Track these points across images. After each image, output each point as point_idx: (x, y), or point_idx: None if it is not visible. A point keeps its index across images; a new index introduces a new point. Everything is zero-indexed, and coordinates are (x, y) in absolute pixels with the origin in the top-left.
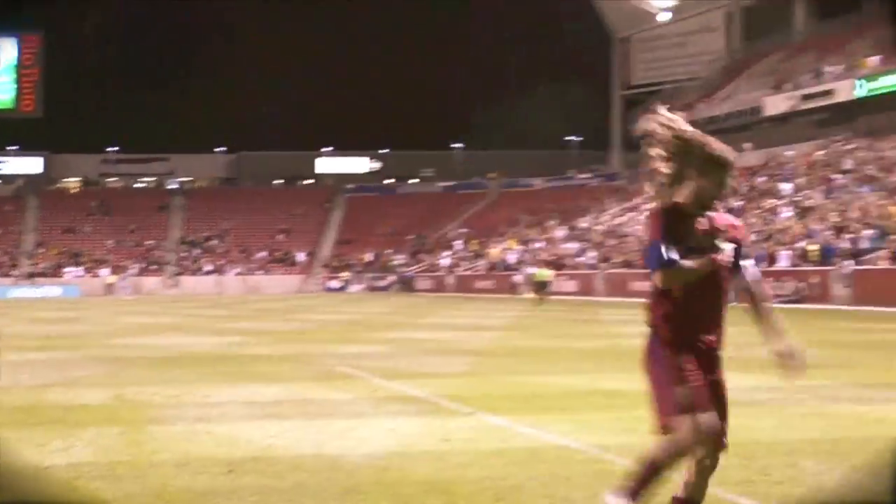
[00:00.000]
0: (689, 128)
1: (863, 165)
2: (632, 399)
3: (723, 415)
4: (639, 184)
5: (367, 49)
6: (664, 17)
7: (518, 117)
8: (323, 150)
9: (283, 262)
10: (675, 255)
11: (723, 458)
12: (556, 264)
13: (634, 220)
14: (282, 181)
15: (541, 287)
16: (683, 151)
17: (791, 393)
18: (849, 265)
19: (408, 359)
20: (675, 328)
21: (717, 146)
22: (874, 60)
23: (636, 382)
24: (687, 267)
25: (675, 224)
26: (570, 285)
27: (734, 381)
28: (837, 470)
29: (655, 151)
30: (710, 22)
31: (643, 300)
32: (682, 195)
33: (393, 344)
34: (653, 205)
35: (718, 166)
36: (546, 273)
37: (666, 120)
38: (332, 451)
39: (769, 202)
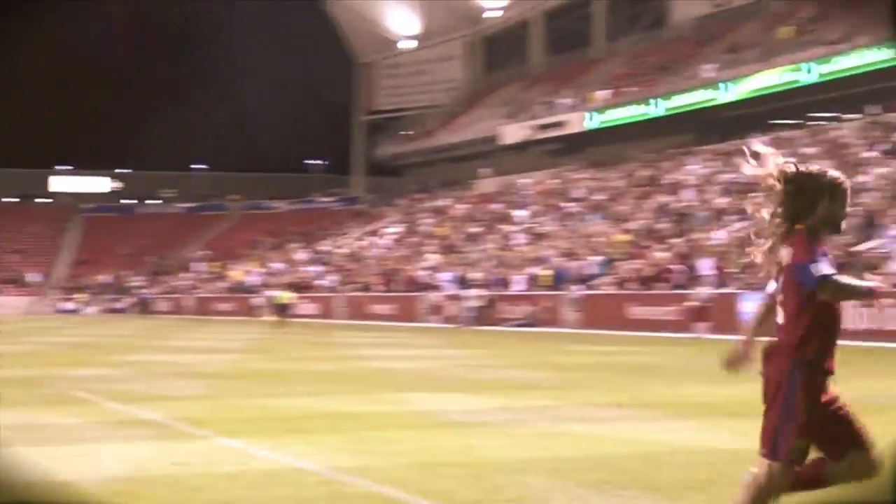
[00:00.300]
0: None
1: (592, 194)
2: (367, 421)
3: (851, 429)
4: (380, 208)
5: (107, 64)
6: (406, 44)
7: (261, 140)
8: (59, 167)
9: (15, 282)
10: (831, 269)
11: (453, 479)
12: (297, 287)
13: (375, 244)
14: (14, 199)
15: (281, 309)
16: (812, 184)
17: (518, 413)
18: (578, 290)
19: (144, 382)
20: (817, 350)
21: (833, 171)
22: (603, 94)
23: (372, 404)
24: (846, 282)
25: (817, 245)
26: (311, 308)
27: (464, 402)
28: (565, 487)
29: (781, 189)
30: (451, 51)
31: (381, 323)
32: (812, 222)
33: (129, 367)
34: (798, 229)
35: (843, 189)
36: (287, 295)
37: (782, 161)
38: (63, 478)
39: (505, 228)
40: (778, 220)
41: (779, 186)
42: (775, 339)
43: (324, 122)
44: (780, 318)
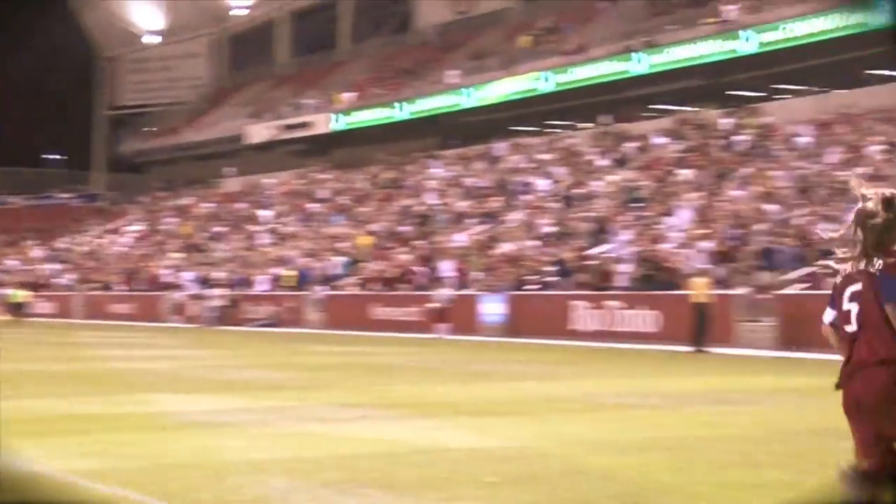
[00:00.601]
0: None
1: (336, 196)
2: (106, 423)
3: None
4: (122, 205)
5: None
6: (151, 39)
7: None
8: None
9: None
10: None
11: (193, 480)
12: (33, 285)
13: (116, 242)
14: None
15: (16, 308)
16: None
17: (261, 414)
18: (321, 291)
19: None
20: None
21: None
22: (349, 96)
23: (111, 406)
24: None
25: None
26: (48, 307)
27: (206, 403)
28: (307, 487)
29: (883, 214)
30: (197, 48)
31: (122, 323)
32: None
33: None
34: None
35: None
36: (21, 294)
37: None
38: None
39: (249, 228)
40: (871, 240)
41: (881, 214)
42: (863, 352)
43: (63, 115)
44: (868, 330)
